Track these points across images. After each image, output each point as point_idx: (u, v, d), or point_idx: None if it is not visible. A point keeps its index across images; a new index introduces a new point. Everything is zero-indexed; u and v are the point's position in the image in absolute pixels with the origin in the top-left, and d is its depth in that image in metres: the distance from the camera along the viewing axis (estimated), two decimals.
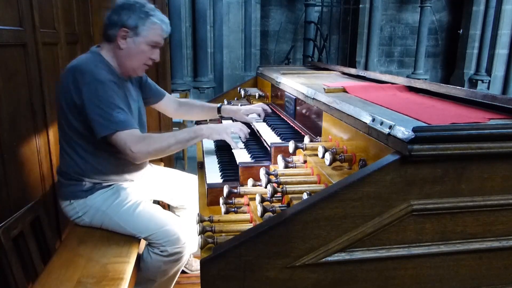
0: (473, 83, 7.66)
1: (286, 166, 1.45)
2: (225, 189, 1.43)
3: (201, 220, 1.27)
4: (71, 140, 1.79)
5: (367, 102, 1.40)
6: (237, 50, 6.81)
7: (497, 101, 1.21)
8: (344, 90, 1.65)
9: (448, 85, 1.45)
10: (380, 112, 1.19)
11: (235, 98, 2.79)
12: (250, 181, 1.49)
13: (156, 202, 2.19)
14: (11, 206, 1.74)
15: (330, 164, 1.25)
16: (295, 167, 1.45)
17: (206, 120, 2.48)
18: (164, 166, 2.68)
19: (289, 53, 7.60)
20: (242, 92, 2.71)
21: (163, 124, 3.07)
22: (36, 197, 1.99)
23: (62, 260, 1.67)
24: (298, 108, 1.93)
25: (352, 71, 2.27)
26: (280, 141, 1.73)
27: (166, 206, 2.41)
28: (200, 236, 1.18)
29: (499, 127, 0.98)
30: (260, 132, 1.92)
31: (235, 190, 1.42)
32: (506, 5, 7.14)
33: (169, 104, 2.28)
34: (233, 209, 1.38)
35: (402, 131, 0.97)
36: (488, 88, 7.51)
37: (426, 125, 1.04)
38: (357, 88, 1.65)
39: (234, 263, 0.97)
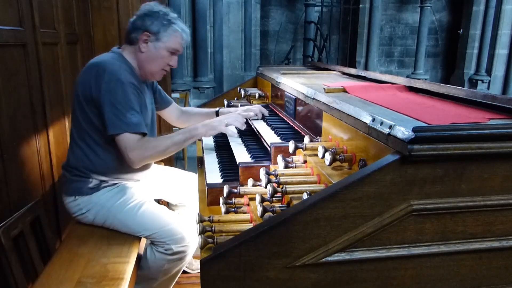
0: (473, 83, 7.66)
1: (286, 166, 1.45)
2: (225, 189, 1.43)
3: (201, 220, 1.27)
4: (86, 134, 1.81)
5: (367, 102, 1.40)
6: (237, 50, 6.81)
7: (497, 101, 1.21)
8: (344, 90, 1.65)
9: (448, 85, 1.45)
10: (380, 112, 1.19)
11: (235, 98, 2.79)
12: (250, 181, 1.49)
13: (156, 200, 2.19)
14: (11, 206, 1.74)
15: (330, 164, 1.25)
16: (295, 167, 1.45)
17: None
18: (164, 165, 2.68)
19: (289, 53, 7.60)
20: (242, 92, 2.72)
21: (164, 127, 3.08)
22: (36, 197, 1.99)
23: (62, 260, 1.67)
24: (298, 108, 1.94)
25: (352, 71, 2.27)
26: (280, 141, 1.73)
27: (166, 204, 2.41)
28: (200, 236, 1.18)
29: (499, 127, 0.98)
30: (260, 132, 1.92)
31: (235, 190, 1.42)
32: (506, 5, 7.14)
33: (173, 112, 2.34)
34: (233, 209, 1.38)
35: (402, 131, 0.97)
36: (488, 88, 7.51)
37: (426, 125, 1.04)
38: (357, 88, 1.65)
39: (234, 263, 0.97)
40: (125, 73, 1.76)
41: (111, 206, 1.84)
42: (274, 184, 1.27)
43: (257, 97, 2.63)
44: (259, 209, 1.21)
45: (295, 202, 1.17)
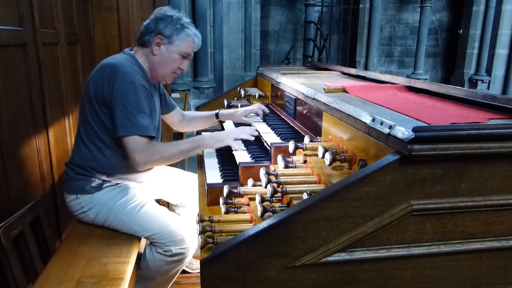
0: (473, 83, 7.65)
1: (286, 166, 1.45)
2: (225, 189, 1.44)
3: (201, 220, 1.27)
4: (94, 134, 1.82)
5: (367, 102, 1.40)
6: (237, 50, 6.81)
7: (497, 101, 1.21)
8: (344, 90, 1.65)
9: (448, 85, 1.45)
10: (380, 112, 1.19)
11: (235, 98, 2.79)
12: (250, 181, 1.49)
13: (156, 200, 2.19)
14: (11, 206, 1.74)
15: (330, 164, 1.25)
16: (295, 167, 1.45)
17: None
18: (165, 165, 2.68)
19: (289, 53, 7.60)
20: (242, 92, 2.72)
21: (164, 129, 3.08)
22: (36, 197, 1.99)
23: (62, 260, 1.67)
24: (298, 108, 1.94)
25: (352, 71, 2.27)
26: (280, 141, 1.73)
27: (166, 204, 2.41)
28: (200, 236, 1.18)
29: (499, 127, 0.98)
30: (260, 132, 1.92)
31: (235, 190, 1.42)
32: (506, 5, 7.13)
33: (176, 116, 2.35)
34: (233, 209, 1.38)
35: (402, 131, 0.97)
36: (488, 88, 7.51)
37: (426, 125, 1.04)
38: (357, 88, 1.65)
39: (234, 263, 0.97)
40: (138, 75, 1.77)
41: (113, 205, 1.84)
42: (274, 184, 1.27)
43: (257, 97, 2.63)
44: (259, 209, 1.21)
45: (295, 202, 1.17)
